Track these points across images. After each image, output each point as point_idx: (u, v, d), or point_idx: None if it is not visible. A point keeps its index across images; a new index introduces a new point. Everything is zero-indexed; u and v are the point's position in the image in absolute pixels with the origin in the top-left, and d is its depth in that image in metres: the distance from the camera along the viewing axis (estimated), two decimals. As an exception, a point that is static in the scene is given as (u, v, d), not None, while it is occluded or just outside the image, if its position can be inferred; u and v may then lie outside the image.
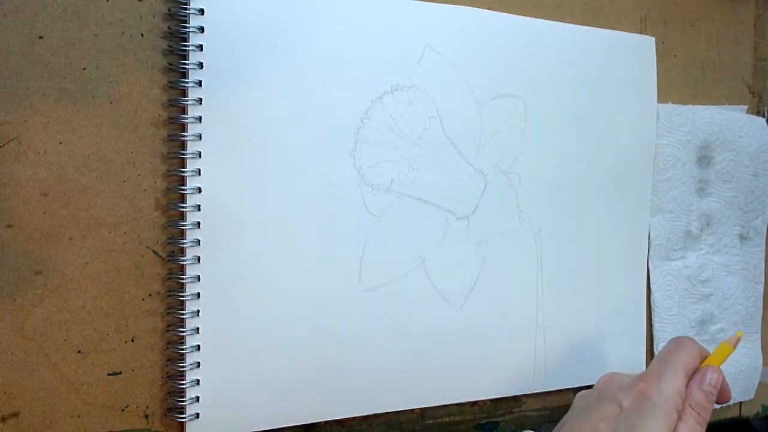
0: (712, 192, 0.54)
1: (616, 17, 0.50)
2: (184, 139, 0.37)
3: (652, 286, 0.52)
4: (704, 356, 0.40)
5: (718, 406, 0.41)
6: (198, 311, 0.38)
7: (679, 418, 0.37)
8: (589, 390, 0.41)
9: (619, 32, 0.50)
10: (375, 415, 0.44)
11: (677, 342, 0.41)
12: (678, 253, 0.53)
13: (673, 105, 0.52)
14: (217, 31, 0.37)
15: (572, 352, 0.49)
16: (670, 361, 0.39)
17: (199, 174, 0.37)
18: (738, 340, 0.41)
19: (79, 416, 0.36)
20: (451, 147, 0.44)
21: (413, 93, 0.42)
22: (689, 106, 0.52)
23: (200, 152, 0.37)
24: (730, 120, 0.54)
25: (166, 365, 0.38)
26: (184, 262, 0.37)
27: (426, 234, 0.43)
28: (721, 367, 0.39)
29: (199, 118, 0.37)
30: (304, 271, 0.40)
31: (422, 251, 0.43)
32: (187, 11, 0.37)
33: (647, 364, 0.52)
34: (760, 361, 0.56)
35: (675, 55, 0.53)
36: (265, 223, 0.39)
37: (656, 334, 0.52)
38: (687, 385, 0.38)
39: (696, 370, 0.39)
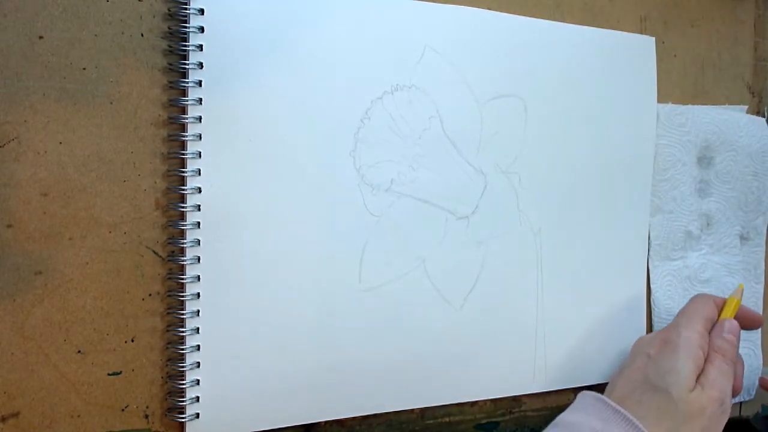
0: (713, 192, 0.54)
1: (616, 17, 0.50)
2: (184, 139, 0.37)
3: (652, 286, 0.52)
4: (719, 304, 0.46)
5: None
6: (198, 311, 0.38)
7: (707, 360, 0.42)
8: (624, 358, 0.47)
9: (619, 32, 0.50)
10: (375, 415, 0.44)
11: (693, 298, 0.47)
12: (678, 253, 0.53)
13: (673, 105, 0.52)
14: (217, 31, 0.37)
15: (572, 352, 0.49)
16: (687, 312, 0.45)
17: (199, 174, 0.37)
18: (741, 291, 0.47)
19: (79, 416, 0.36)
20: (451, 147, 0.44)
21: (413, 93, 0.42)
22: (689, 106, 0.52)
23: (200, 152, 0.37)
24: (730, 120, 0.54)
25: (166, 365, 0.38)
26: (184, 262, 0.37)
27: (426, 234, 0.43)
28: None
29: (199, 118, 0.37)
30: (304, 271, 0.40)
31: (422, 251, 0.43)
32: (187, 11, 0.37)
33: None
34: (760, 361, 0.56)
35: (675, 55, 0.53)
36: (265, 223, 0.39)
37: (656, 334, 0.52)
38: (710, 335, 0.44)
39: (717, 321, 0.45)
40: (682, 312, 0.46)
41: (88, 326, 0.36)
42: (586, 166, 0.49)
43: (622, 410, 0.40)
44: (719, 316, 0.46)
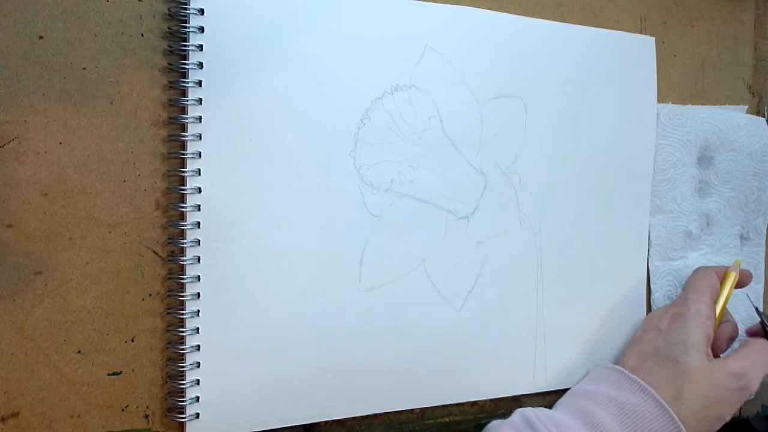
0: (713, 192, 0.54)
1: (616, 17, 0.50)
2: (184, 139, 0.37)
3: (652, 287, 0.52)
4: (719, 273, 0.49)
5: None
6: (198, 311, 0.38)
7: (745, 342, 0.45)
8: (636, 332, 0.49)
9: (620, 32, 0.50)
10: (375, 415, 0.44)
11: (696, 271, 0.49)
12: (678, 254, 0.53)
13: (673, 105, 0.52)
14: (217, 31, 0.37)
15: (572, 352, 0.49)
16: (693, 286, 0.48)
17: (199, 174, 0.37)
18: (738, 265, 0.49)
19: (79, 416, 0.36)
20: (451, 147, 0.44)
21: (413, 93, 0.42)
22: (689, 106, 0.52)
23: (200, 152, 0.37)
24: (730, 120, 0.54)
25: (166, 365, 0.38)
26: (184, 262, 0.37)
27: (426, 234, 0.43)
28: None
29: (199, 118, 0.37)
30: (304, 271, 0.40)
31: (422, 251, 0.43)
32: (187, 11, 0.37)
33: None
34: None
35: (675, 55, 0.53)
36: (265, 223, 0.39)
37: (656, 334, 0.52)
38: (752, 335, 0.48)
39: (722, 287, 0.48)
40: (689, 285, 0.48)
41: (88, 326, 0.36)
42: (587, 166, 0.49)
43: (638, 379, 0.42)
44: (722, 285, 0.48)
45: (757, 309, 0.50)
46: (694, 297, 0.46)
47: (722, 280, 0.49)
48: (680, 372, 0.42)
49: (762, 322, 0.48)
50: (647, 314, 0.51)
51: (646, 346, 0.46)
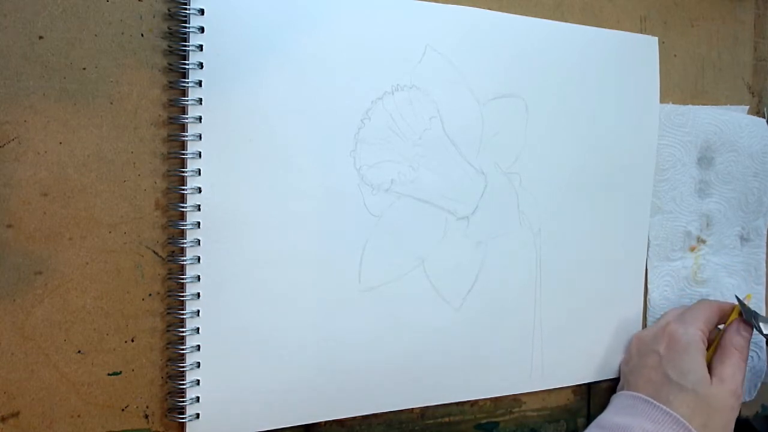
0: (713, 193, 0.54)
1: (616, 17, 0.50)
2: (184, 139, 0.37)
3: (649, 286, 0.52)
4: (723, 309, 0.49)
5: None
6: (198, 311, 0.38)
7: (726, 356, 0.46)
8: (627, 355, 0.50)
9: (622, 32, 0.50)
10: (375, 415, 0.44)
11: (700, 301, 0.50)
12: (677, 254, 0.53)
13: (674, 105, 0.52)
14: (217, 31, 0.37)
15: (570, 351, 0.49)
16: (691, 310, 0.48)
17: (199, 174, 0.37)
18: (749, 299, 0.50)
19: (79, 416, 0.36)
20: (452, 147, 0.44)
21: (414, 93, 0.42)
22: (689, 107, 0.52)
23: (200, 152, 0.37)
24: (731, 121, 0.54)
25: (166, 365, 0.38)
26: (184, 262, 0.37)
27: (426, 234, 0.43)
28: None
29: (199, 118, 0.37)
30: (304, 271, 0.40)
31: (422, 251, 0.43)
32: (187, 11, 0.37)
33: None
34: (764, 365, 0.56)
35: (675, 55, 0.53)
36: (265, 223, 0.39)
37: (654, 334, 0.52)
38: (726, 332, 0.47)
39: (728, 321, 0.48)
40: (687, 310, 0.49)
41: (88, 326, 0.36)
42: (587, 167, 0.49)
43: (671, 411, 0.43)
44: (728, 320, 0.48)
45: (738, 299, 0.50)
46: (690, 320, 0.47)
47: (729, 313, 0.49)
48: (702, 403, 0.43)
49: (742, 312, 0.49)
50: (636, 333, 0.51)
51: (652, 372, 0.46)
